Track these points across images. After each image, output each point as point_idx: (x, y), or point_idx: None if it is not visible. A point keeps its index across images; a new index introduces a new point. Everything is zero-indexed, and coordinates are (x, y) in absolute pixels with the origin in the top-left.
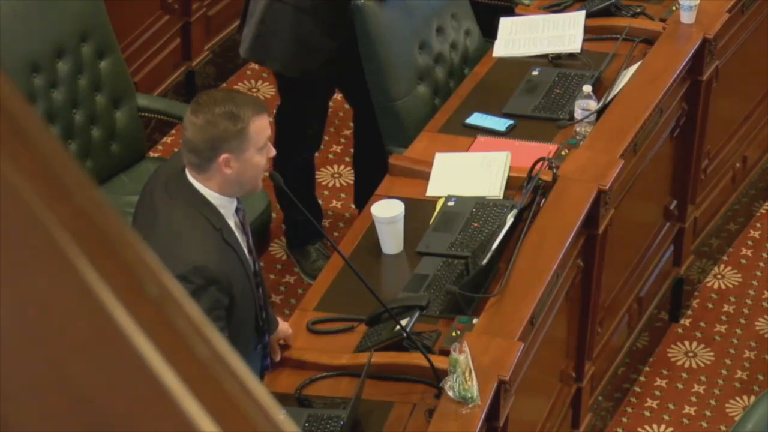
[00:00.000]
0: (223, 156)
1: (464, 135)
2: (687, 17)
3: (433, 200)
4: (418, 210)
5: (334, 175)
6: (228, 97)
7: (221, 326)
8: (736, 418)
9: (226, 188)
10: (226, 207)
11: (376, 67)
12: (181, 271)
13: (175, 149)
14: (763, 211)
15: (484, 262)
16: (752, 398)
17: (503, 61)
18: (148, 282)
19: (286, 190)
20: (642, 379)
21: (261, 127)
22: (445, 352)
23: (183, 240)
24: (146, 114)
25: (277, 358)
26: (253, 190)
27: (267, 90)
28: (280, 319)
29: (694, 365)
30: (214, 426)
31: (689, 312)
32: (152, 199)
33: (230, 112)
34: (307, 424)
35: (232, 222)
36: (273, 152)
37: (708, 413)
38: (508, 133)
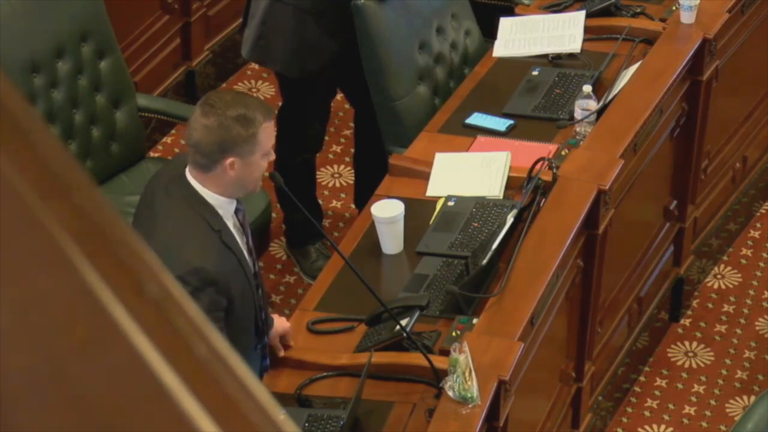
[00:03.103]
0: (230, 160)
1: (464, 135)
2: (687, 17)
3: (433, 200)
4: (418, 210)
5: (334, 175)
6: (239, 100)
7: (219, 327)
8: (736, 418)
9: (227, 189)
10: (225, 208)
11: (376, 67)
12: (178, 272)
13: (176, 149)
14: (763, 211)
15: (484, 262)
16: (752, 398)
17: (503, 61)
18: (148, 282)
19: (285, 190)
20: (642, 379)
21: (270, 132)
22: (445, 352)
23: (181, 242)
24: (146, 114)
25: (281, 353)
26: (252, 192)
27: (267, 90)
28: (275, 316)
29: (694, 365)
30: (214, 426)
31: (689, 312)
32: (152, 201)
33: (243, 116)
34: (307, 424)
35: (231, 223)
36: (273, 156)
37: (708, 413)
38: (508, 133)
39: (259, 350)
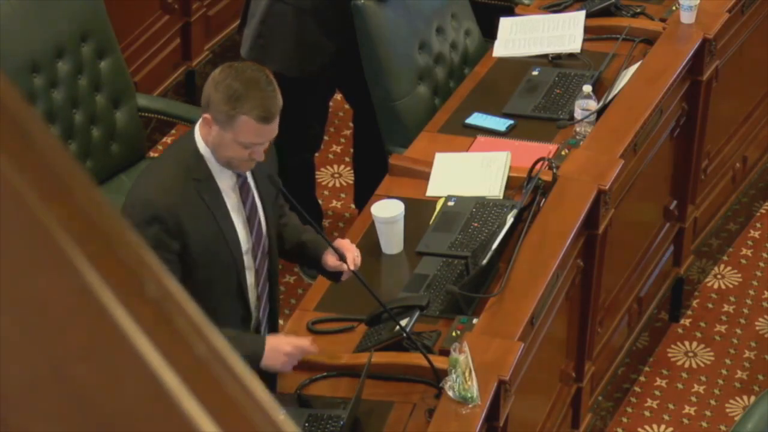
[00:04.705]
0: (207, 115)
1: (464, 135)
2: (687, 17)
3: (433, 200)
4: (418, 210)
5: (334, 175)
6: (251, 81)
7: (170, 270)
8: (736, 418)
9: (208, 141)
10: (216, 164)
11: (376, 67)
12: (129, 201)
13: None
14: (763, 211)
15: (484, 262)
16: (752, 398)
17: (503, 61)
18: (148, 282)
19: (284, 192)
20: (642, 379)
21: (252, 129)
22: (445, 352)
23: (147, 177)
24: (146, 114)
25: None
26: (230, 169)
27: None
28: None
29: (694, 365)
30: (214, 426)
31: (689, 312)
32: None
33: (234, 94)
34: (307, 424)
35: (227, 183)
36: (261, 158)
37: (708, 413)
38: (508, 133)
39: (251, 328)
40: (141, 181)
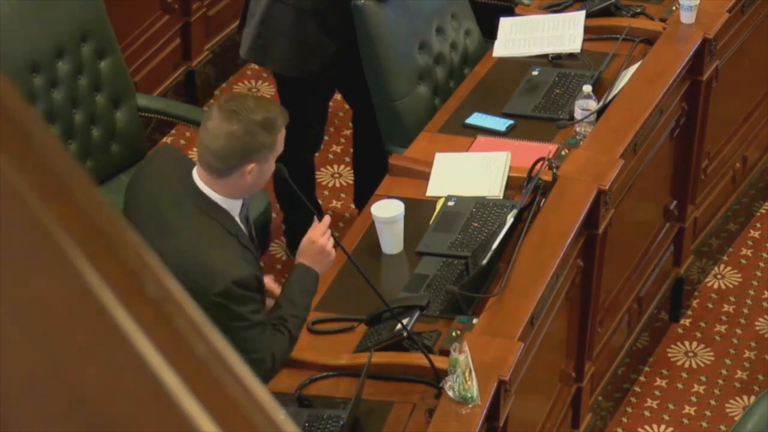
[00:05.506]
0: (250, 166)
1: (464, 135)
2: (687, 17)
3: (433, 200)
4: (418, 210)
5: (334, 175)
6: (260, 104)
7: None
8: (736, 418)
9: (236, 192)
10: (234, 208)
11: (376, 67)
12: (220, 288)
13: None
14: (763, 211)
15: (484, 262)
16: (752, 398)
17: (503, 61)
18: (148, 282)
19: (290, 182)
20: (642, 379)
21: (283, 134)
22: (445, 352)
23: (210, 257)
24: (146, 114)
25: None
26: (256, 192)
27: (267, 90)
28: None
29: (694, 365)
30: (214, 426)
31: (689, 312)
32: (159, 211)
33: (267, 121)
34: (307, 424)
35: (238, 217)
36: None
37: (708, 413)
38: (508, 133)
39: None
40: (201, 265)
